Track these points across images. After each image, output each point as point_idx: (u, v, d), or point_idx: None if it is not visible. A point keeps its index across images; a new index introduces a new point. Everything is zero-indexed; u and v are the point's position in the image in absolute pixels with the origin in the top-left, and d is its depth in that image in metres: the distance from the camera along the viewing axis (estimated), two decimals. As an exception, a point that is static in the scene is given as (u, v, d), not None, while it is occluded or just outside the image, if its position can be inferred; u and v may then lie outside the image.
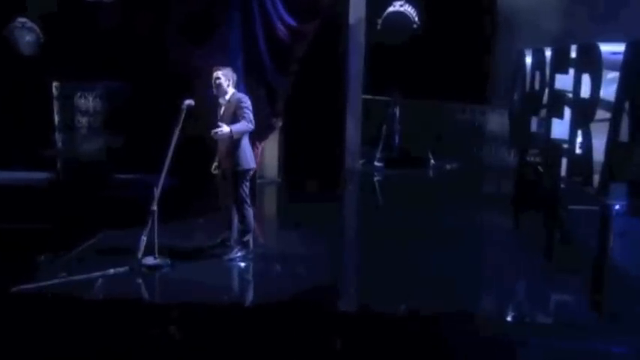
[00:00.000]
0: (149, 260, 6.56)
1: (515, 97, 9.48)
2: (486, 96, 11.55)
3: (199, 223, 8.02)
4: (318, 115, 10.22)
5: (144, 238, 6.51)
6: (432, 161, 11.61)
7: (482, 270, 6.82)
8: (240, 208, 6.81)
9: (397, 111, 11.61)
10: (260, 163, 9.55)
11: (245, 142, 6.72)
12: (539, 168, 9.09)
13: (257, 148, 9.35)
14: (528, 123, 8.89)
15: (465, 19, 11.38)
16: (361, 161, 11.26)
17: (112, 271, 6.38)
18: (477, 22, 11.54)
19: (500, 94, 11.04)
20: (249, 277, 6.76)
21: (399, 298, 5.76)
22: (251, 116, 6.59)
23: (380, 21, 11.22)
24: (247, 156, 6.71)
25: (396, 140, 11.63)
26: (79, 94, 10.83)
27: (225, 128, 6.46)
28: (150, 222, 6.50)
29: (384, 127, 11.64)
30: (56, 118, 10.83)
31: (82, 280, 6.15)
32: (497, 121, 11.17)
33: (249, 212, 6.85)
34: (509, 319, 5.82)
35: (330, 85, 10.36)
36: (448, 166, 11.56)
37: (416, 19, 11.04)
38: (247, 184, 6.76)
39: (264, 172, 10.07)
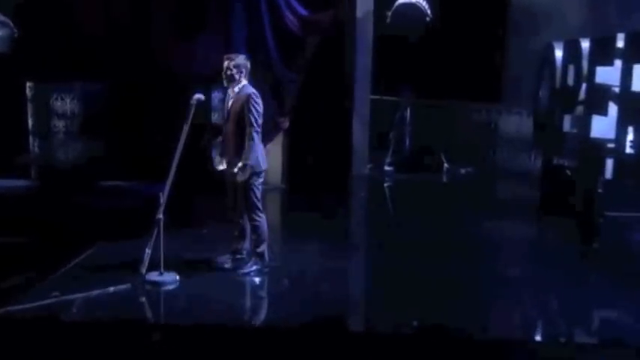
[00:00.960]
0: (154, 276, 6.06)
1: (542, 94, 9.07)
2: (501, 95, 11.21)
3: (203, 233, 7.61)
4: (324, 116, 9.89)
5: (148, 251, 6.01)
6: (446, 165, 11.23)
7: (507, 285, 6.35)
8: (251, 215, 6.35)
9: (408, 112, 11.23)
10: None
11: (257, 140, 6.24)
12: (568, 171, 8.67)
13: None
14: (560, 122, 8.44)
15: (477, 12, 11.00)
16: (369, 166, 10.88)
17: (111, 289, 5.86)
18: (490, 15, 11.17)
19: (516, 93, 10.77)
20: (266, 294, 6.28)
21: (423, 318, 5.37)
22: (256, 118, 6.08)
23: (389, 14, 10.80)
24: (258, 156, 6.24)
25: (407, 143, 11.27)
26: (55, 95, 10.65)
27: (241, 166, 6.04)
28: (155, 233, 5.99)
29: (394, 129, 11.26)
30: (30, 122, 10.56)
31: (77, 300, 5.64)
32: (515, 122, 10.88)
33: (262, 219, 6.39)
34: (540, 339, 5.42)
35: (335, 84, 10.04)
36: (462, 171, 11.19)
37: (428, 11, 10.53)
38: (259, 187, 6.31)
39: (267, 178, 9.07)
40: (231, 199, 6.50)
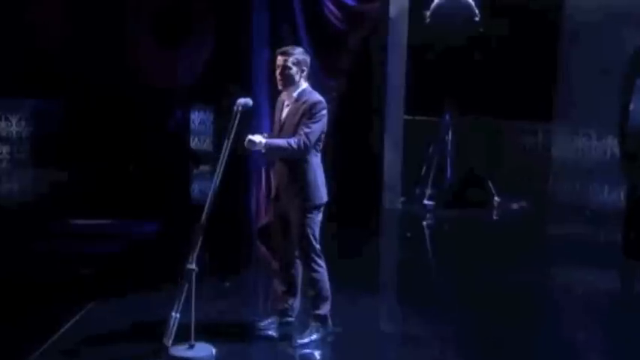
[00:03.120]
0: (182, 350, 4.88)
1: (633, 108, 8.15)
2: (552, 112, 10.40)
3: (226, 286, 6.50)
4: (349, 139, 8.93)
5: (175, 315, 4.79)
6: (496, 198, 10.18)
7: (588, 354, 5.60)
8: (308, 262, 5.30)
9: (450, 134, 10.18)
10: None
11: (316, 163, 5.31)
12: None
13: None
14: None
15: (528, 16, 10.15)
16: (401, 199, 9.88)
17: (125, 370, 4.72)
18: (542, 20, 10.32)
19: (572, 108, 9.99)
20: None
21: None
22: (311, 132, 5.14)
23: (429, 13, 9.66)
24: (319, 184, 5.32)
25: (449, 172, 10.20)
26: (-2, 115, 10.42)
27: (256, 138, 5.10)
28: (184, 290, 4.81)
29: (433, 155, 10.22)
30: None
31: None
32: (581, 145, 10.09)
33: (323, 269, 5.34)
34: None
35: (362, 100, 9.17)
36: (515, 205, 10.20)
37: (476, 10, 9.50)
38: (318, 226, 5.33)
39: None
40: (278, 241, 5.47)
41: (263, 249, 7.88)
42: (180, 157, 11.75)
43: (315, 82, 7.59)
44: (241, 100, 5.12)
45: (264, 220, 8.21)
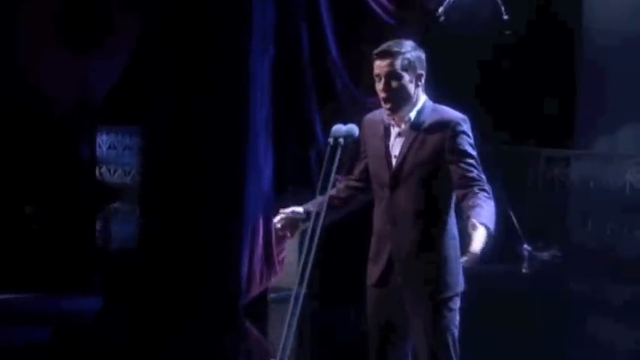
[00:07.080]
0: None
1: None
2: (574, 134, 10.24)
3: None
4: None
5: None
6: (526, 247, 9.44)
7: None
8: None
9: None
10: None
11: (452, 223, 3.96)
12: None
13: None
14: None
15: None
16: None
17: None
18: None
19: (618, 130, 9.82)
20: None
21: None
22: (481, 170, 3.87)
23: (441, 9, 8.66)
24: (454, 263, 3.95)
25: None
26: None
27: (478, 235, 3.60)
28: None
29: None
30: None
31: None
32: (632, 178, 9.75)
33: None
34: None
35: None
36: (545, 254, 9.51)
37: (502, 8, 8.64)
38: (458, 327, 4.00)
39: (279, 281, 7.76)
40: (383, 354, 4.08)
41: (255, 332, 7.22)
42: (92, 193, 10.69)
43: (349, 101, 6.51)
44: (341, 128, 3.72)
45: (256, 290, 7.31)
